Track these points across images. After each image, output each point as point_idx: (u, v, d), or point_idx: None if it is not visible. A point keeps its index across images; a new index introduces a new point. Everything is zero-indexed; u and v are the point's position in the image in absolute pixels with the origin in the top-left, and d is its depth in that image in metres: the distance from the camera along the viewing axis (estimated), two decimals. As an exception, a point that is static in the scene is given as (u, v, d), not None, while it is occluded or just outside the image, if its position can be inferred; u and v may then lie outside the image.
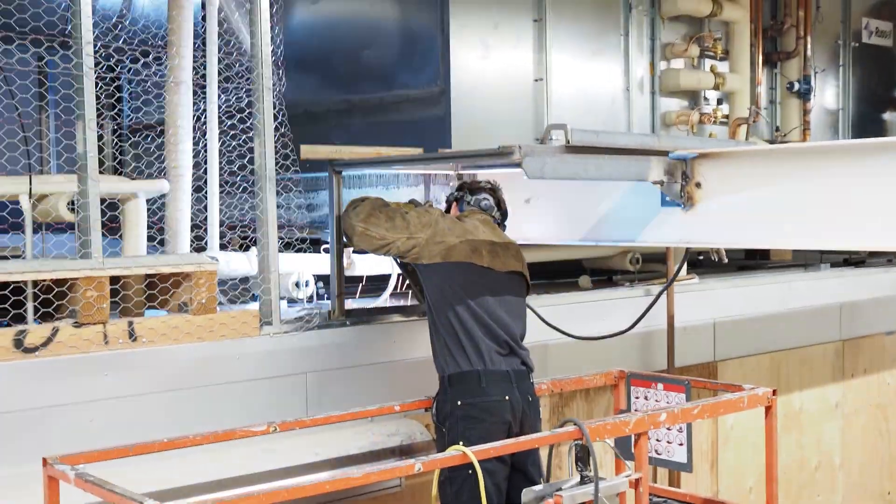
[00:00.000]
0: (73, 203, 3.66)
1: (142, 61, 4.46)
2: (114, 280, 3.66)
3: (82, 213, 3.55)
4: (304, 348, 4.13)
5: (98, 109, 4.52)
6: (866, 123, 8.06)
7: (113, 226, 3.86)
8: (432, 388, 4.05)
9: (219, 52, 4.59)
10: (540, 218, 4.65)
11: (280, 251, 4.12)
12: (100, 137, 5.14)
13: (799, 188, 3.77)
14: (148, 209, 4.10)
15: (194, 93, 4.45)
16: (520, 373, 3.92)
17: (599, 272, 6.21)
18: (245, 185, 4.34)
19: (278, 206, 4.12)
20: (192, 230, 4.45)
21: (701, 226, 3.97)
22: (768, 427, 4.00)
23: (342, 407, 3.93)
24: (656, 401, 4.40)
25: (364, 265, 4.84)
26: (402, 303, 4.78)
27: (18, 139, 3.63)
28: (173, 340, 3.75)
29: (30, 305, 3.50)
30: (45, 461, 3.01)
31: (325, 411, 3.86)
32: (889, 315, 7.33)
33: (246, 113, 4.41)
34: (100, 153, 4.88)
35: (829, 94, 7.69)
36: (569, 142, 3.57)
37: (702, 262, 6.88)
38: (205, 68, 4.56)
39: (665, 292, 5.31)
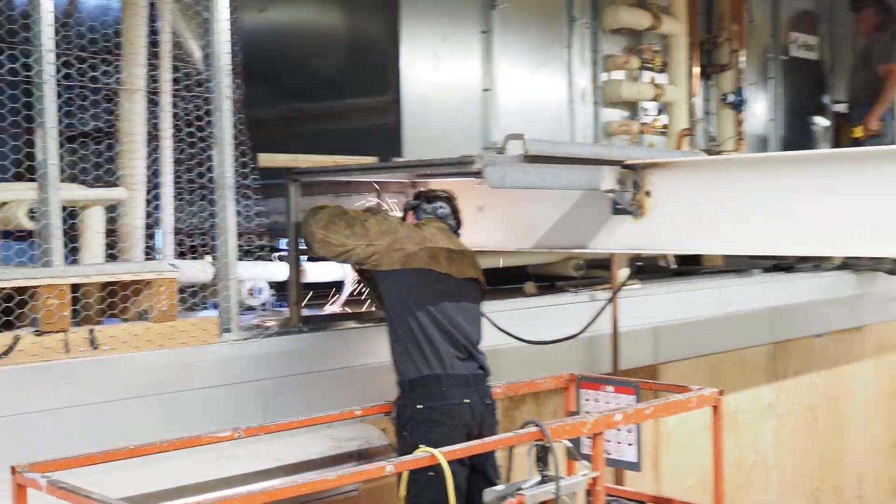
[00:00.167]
0: (32, 211, 3.64)
1: (76, 67, 4.42)
2: (73, 288, 3.65)
3: (43, 221, 3.54)
4: (262, 355, 4.16)
5: (33, 115, 4.50)
6: (796, 133, 8.36)
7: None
8: (389, 392, 4.13)
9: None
10: (492, 226, 4.75)
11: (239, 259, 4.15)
12: (31, 144, 5.12)
13: (742, 196, 3.93)
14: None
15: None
16: (478, 376, 4.02)
17: (543, 278, 6.34)
18: (203, 192, 4.35)
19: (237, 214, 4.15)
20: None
21: (650, 233, 4.11)
22: (715, 426, 4.16)
23: (300, 412, 3.97)
24: (606, 402, 4.53)
25: (316, 273, 4.89)
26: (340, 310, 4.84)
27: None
28: (134, 348, 3.75)
29: (-10, 314, 3.48)
30: (13, 469, 3.00)
31: (284, 417, 3.91)
32: (817, 319, 7.60)
33: (198, 119, 4.43)
34: (31, 160, 4.86)
35: (760, 105, 7.96)
36: (527, 152, 3.68)
37: (642, 269, 7.06)
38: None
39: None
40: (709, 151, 7.02)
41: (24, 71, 3.63)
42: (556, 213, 4.47)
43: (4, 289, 3.46)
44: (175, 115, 4.43)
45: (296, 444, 4.10)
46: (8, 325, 3.52)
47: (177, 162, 4.34)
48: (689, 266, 7.74)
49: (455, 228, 4.33)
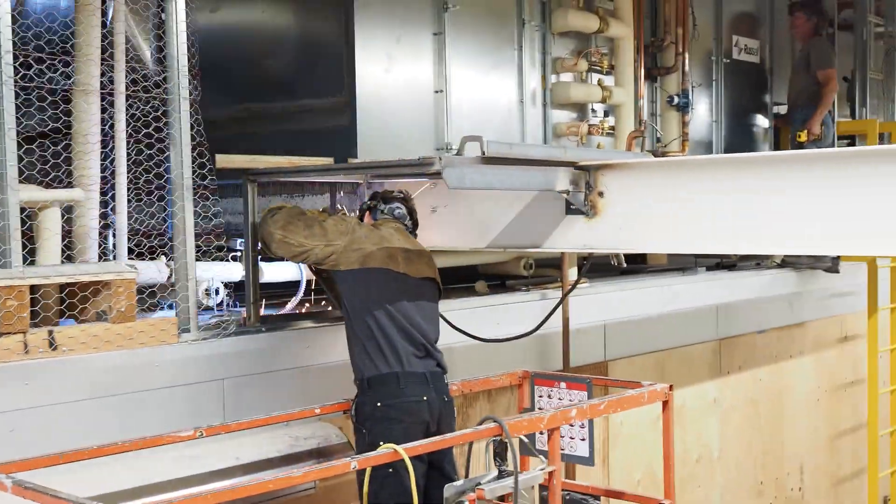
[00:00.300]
0: (-10, 212, 3.63)
1: (34, 67, 4.39)
2: (32, 289, 3.64)
3: (1, 223, 3.53)
4: (221, 355, 4.18)
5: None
6: (737, 134, 8.56)
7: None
8: (346, 391, 4.18)
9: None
10: (446, 226, 4.82)
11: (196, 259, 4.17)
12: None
13: (693, 197, 4.05)
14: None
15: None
16: (435, 374, 4.08)
17: (493, 277, 6.42)
18: (158, 192, 4.36)
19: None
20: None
21: (603, 233, 4.22)
22: (665, 421, 4.27)
23: (259, 412, 4.00)
24: (559, 399, 4.62)
25: (271, 273, 4.91)
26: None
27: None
28: (93, 349, 3.76)
29: (-53, 315, 3.46)
30: (-25, 471, 3.00)
31: (243, 416, 3.94)
32: (760, 315, 7.81)
33: (152, 120, 4.43)
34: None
35: (704, 107, 8.14)
36: (484, 153, 3.75)
37: (588, 268, 7.17)
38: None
39: (561, 296, 5.56)
40: (654, 153, 7.16)
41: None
42: (511, 213, 4.56)
43: (-38, 290, 3.44)
44: (130, 116, 4.42)
45: (254, 443, 4.12)
46: (-33, 327, 3.50)
47: (133, 163, 4.33)
48: (635, 265, 7.89)
49: (411, 229, 4.39)
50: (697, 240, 4.07)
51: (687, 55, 7.56)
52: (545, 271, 6.43)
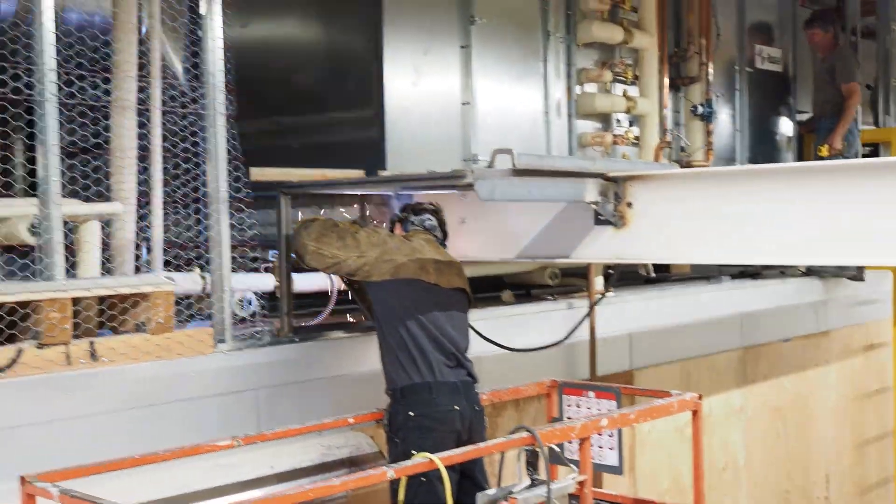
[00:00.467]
0: (34, 226, 3.72)
1: (77, 85, 4.49)
2: (73, 301, 3.72)
3: (45, 236, 3.62)
4: (255, 365, 4.25)
5: (7, 132, 4.55)
6: (761, 143, 8.58)
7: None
8: (377, 400, 4.24)
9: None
10: (475, 237, 4.88)
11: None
12: (6, 160, 5.15)
13: (720, 207, 4.10)
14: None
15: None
16: (467, 384, 4.14)
17: (519, 287, 6.47)
18: (195, 205, 4.44)
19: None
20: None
21: (632, 243, 4.26)
22: (695, 429, 4.31)
23: (292, 421, 4.06)
24: (588, 408, 4.66)
25: (301, 283, 4.98)
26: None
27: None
28: (132, 359, 3.83)
29: (-8, 327, 3.55)
30: (23, 479, 3.08)
31: (277, 425, 4.00)
32: (785, 324, 7.82)
33: (189, 135, 4.52)
34: (7, 176, 4.90)
35: (728, 116, 8.18)
36: (515, 166, 3.81)
37: (611, 277, 7.21)
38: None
39: (588, 305, 5.61)
40: (680, 162, 7.20)
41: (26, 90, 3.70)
42: (539, 224, 4.61)
43: (7, 303, 3.53)
44: (166, 131, 4.50)
45: (288, 452, 4.19)
46: (11, 339, 3.58)
47: (172, 177, 4.41)
48: (659, 274, 7.92)
49: (442, 240, 4.45)
50: (725, 250, 4.11)
51: (710, 65, 7.60)
52: (571, 281, 6.47)
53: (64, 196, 3.83)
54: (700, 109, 7.54)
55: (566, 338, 5.23)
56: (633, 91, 7.03)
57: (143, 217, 4.47)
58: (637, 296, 6.59)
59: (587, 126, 6.78)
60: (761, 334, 7.53)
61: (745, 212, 4.01)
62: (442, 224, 4.48)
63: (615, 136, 6.78)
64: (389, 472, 3.16)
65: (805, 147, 9.11)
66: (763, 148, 8.63)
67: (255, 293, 4.78)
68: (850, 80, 8.28)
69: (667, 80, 7.30)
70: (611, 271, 7.11)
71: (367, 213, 5.13)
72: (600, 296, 5.52)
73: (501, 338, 5.15)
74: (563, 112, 6.55)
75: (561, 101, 6.54)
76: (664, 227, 4.20)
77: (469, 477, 4.10)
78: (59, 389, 3.63)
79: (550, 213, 4.53)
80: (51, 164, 3.61)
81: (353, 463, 4.31)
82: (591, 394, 4.68)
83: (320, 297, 5.00)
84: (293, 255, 4.35)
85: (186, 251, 4.47)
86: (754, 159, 8.34)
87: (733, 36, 8.27)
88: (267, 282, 4.77)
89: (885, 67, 10.17)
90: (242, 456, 4.00)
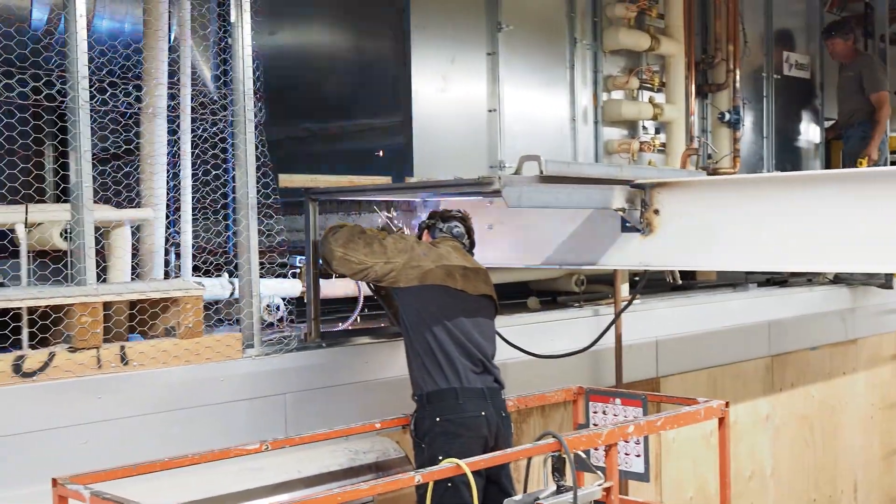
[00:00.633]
0: (66, 231, 3.77)
1: (109, 92, 4.55)
2: (104, 306, 3.77)
3: (77, 242, 3.66)
4: (283, 370, 4.28)
5: (40, 138, 4.62)
6: (788, 150, 8.55)
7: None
8: (404, 406, 4.25)
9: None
10: (502, 243, 4.88)
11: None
12: (40, 166, 5.22)
13: (747, 214, 4.08)
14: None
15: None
16: (493, 390, 4.15)
17: (545, 293, 6.48)
18: (224, 211, 4.48)
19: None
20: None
21: (659, 250, 4.25)
22: (722, 437, 4.30)
23: (319, 426, 4.09)
24: (614, 415, 4.66)
25: (327, 289, 5.01)
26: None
27: (19, 169, 3.74)
28: (162, 364, 3.87)
29: (25, 331, 3.59)
30: (55, 481, 3.12)
31: (304, 430, 4.03)
32: (812, 332, 7.77)
33: (218, 141, 4.57)
34: (40, 182, 4.96)
35: (755, 123, 8.15)
36: (542, 172, 3.82)
37: (636, 284, 7.20)
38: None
39: (614, 312, 5.61)
40: (706, 169, 7.19)
41: (59, 96, 3.75)
42: (566, 230, 4.61)
43: (40, 307, 3.57)
44: (195, 137, 4.55)
45: (315, 457, 4.22)
46: (43, 343, 3.63)
47: (202, 183, 4.46)
48: (685, 281, 7.89)
49: (469, 248, 4.46)
50: (752, 257, 4.09)
51: (738, 72, 7.58)
52: (597, 287, 6.48)
53: (95, 202, 3.88)
54: (727, 116, 7.52)
55: (592, 344, 5.22)
56: (659, 98, 7.04)
57: (172, 223, 4.52)
58: (663, 303, 6.57)
59: (613, 133, 6.79)
60: (788, 342, 7.49)
61: (772, 219, 3.99)
62: (470, 232, 4.50)
63: (641, 143, 6.78)
64: (417, 476, 3.17)
65: (832, 154, 9.07)
66: (790, 155, 8.59)
67: (283, 298, 4.82)
68: (879, 88, 8.24)
69: (693, 87, 7.30)
70: (637, 278, 7.12)
71: (395, 219, 5.15)
72: (626, 303, 5.51)
73: (527, 344, 5.16)
74: (589, 119, 6.57)
75: (587, 107, 6.55)
76: (691, 234, 4.19)
77: (495, 482, 4.11)
78: (90, 393, 3.67)
79: (577, 219, 4.53)
80: (83, 170, 3.65)
81: (379, 468, 4.33)
82: (618, 400, 4.69)
83: (348, 303, 5.04)
84: (321, 261, 4.38)
85: (215, 257, 4.51)
86: (781, 166, 8.31)
87: (760, 42, 8.24)
88: (295, 287, 4.81)
89: (913, 74, 10.11)
90: (270, 460, 4.03)
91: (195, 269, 4.49)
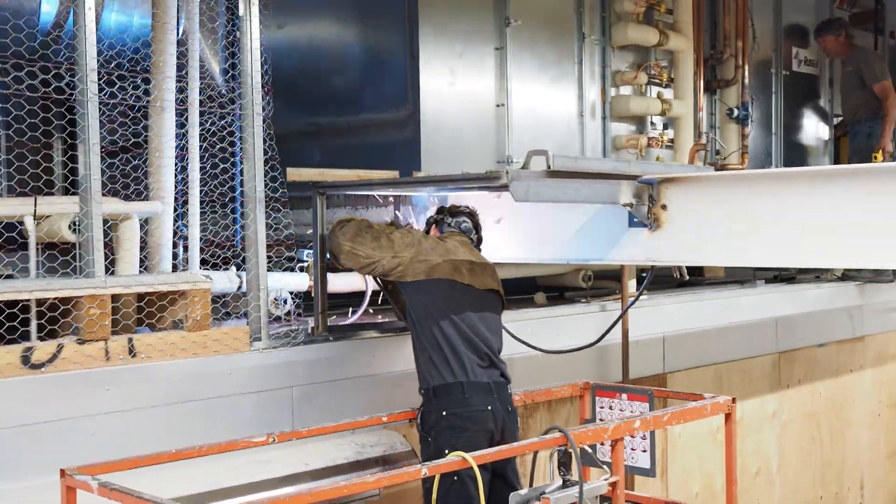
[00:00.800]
0: (74, 224, 3.78)
1: (118, 85, 4.56)
2: (112, 298, 3.78)
3: (85, 234, 3.68)
4: (290, 363, 4.29)
5: (49, 131, 4.62)
6: (797, 146, 8.53)
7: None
8: (410, 399, 4.26)
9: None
10: (510, 238, 4.89)
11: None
12: (49, 158, 5.23)
13: (754, 210, 4.08)
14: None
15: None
16: (499, 384, 4.15)
17: (552, 289, 6.48)
18: (232, 204, 4.49)
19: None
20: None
21: (666, 245, 4.25)
22: (728, 433, 4.29)
23: (326, 419, 4.10)
24: (620, 410, 4.66)
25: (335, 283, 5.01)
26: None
27: (28, 162, 3.75)
28: (170, 356, 3.88)
29: (33, 323, 3.61)
30: (63, 472, 3.13)
31: (311, 423, 4.03)
32: (820, 329, 7.76)
33: (226, 135, 4.57)
34: (49, 174, 4.97)
35: (763, 119, 8.13)
36: (550, 167, 3.82)
37: (644, 280, 7.18)
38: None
39: (621, 308, 5.60)
40: (714, 165, 7.17)
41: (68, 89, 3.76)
42: (573, 226, 4.61)
43: (49, 299, 3.59)
44: (203, 131, 4.55)
45: (322, 450, 4.23)
46: (52, 334, 3.65)
47: (210, 176, 4.47)
48: (693, 277, 7.89)
49: (476, 243, 4.47)
50: (759, 253, 4.09)
51: (746, 67, 7.57)
52: (604, 283, 6.47)
53: (104, 194, 3.89)
54: (735, 112, 7.51)
55: (599, 340, 5.22)
56: (667, 93, 7.02)
57: (180, 216, 4.53)
58: (671, 299, 6.57)
59: (621, 128, 6.78)
60: (796, 339, 7.47)
61: (779, 215, 3.99)
62: (477, 227, 4.50)
63: (650, 138, 6.78)
64: (423, 469, 3.18)
65: (841, 151, 9.05)
66: (799, 152, 8.58)
67: (291, 292, 4.83)
68: (879, 79, 8.21)
69: (702, 83, 7.28)
70: (644, 274, 7.11)
71: (401, 213, 5.16)
72: (633, 298, 5.51)
73: (534, 339, 5.16)
74: (597, 114, 6.56)
75: (595, 103, 6.54)
76: (698, 229, 4.18)
77: (501, 476, 4.12)
78: (98, 385, 3.68)
79: (584, 215, 4.53)
80: (92, 162, 3.67)
81: (386, 461, 4.34)
82: (624, 396, 4.68)
83: (355, 297, 5.04)
84: (328, 255, 4.39)
85: (223, 250, 4.52)
86: (790, 163, 8.29)
87: (769, 38, 8.22)
88: (302, 281, 4.81)
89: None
90: (277, 453, 4.05)
91: (203, 262, 4.51)
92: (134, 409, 3.78)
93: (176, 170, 4.52)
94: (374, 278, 4.58)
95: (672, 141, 7.03)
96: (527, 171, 3.83)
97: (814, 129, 8.87)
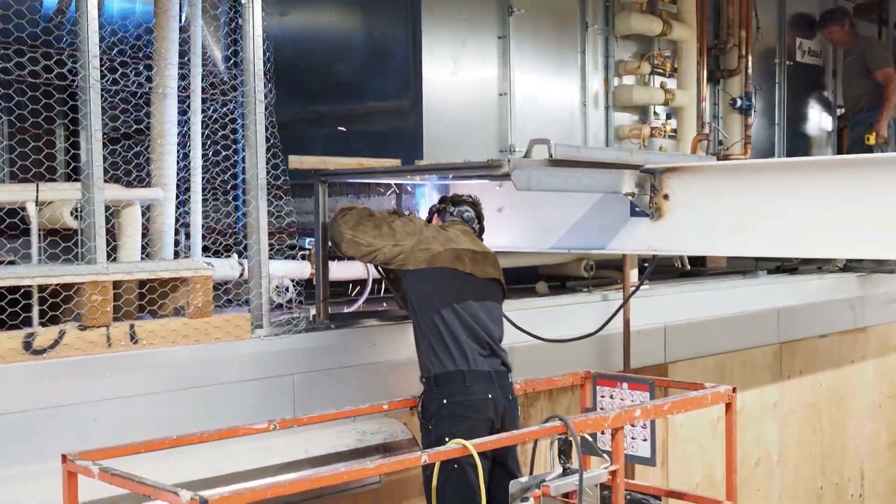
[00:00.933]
0: (76, 210, 3.78)
1: (120, 72, 4.56)
2: (114, 285, 3.79)
3: (87, 220, 3.68)
4: (291, 350, 4.30)
5: (51, 117, 4.62)
6: (800, 137, 8.52)
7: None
8: (411, 388, 4.27)
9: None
10: (512, 227, 4.89)
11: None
12: (51, 145, 5.23)
13: (756, 200, 4.08)
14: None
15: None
16: (500, 373, 4.16)
17: (554, 278, 6.48)
18: (234, 192, 4.49)
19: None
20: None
21: (668, 235, 4.26)
22: (728, 422, 4.30)
23: (327, 406, 4.11)
24: (621, 399, 4.67)
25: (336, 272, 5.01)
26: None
27: (30, 148, 3.76)
28: (171, 343, 3.89)
29: (35, 309, 3.62)
30: (64, 457, 3.14)
31: (312, 411, 4.05)
32: (821, 319, 7.76)
33: (228, 122, 4.57)
34: (52, 161, 4.97)
35: (767, 110, 8.12)
36: (552, 156, 3.82)
37: (646, 269, 7.18)
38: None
39: (623, 297, 5.60)
40: (717, 155, 7.17)
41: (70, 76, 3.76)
42: (575, 215, 4.62)
43: (51, 285, 3.59)
44: (206, 118, 4.55)
45: (323, 437, 4.24)
46: (54, 320, 3.65)
47: (212, 163, 4.47)
48: (695, 268, 7.89)
49: (479, 233, 4.47)
50: (762, 242, 4.10)
51: (750, 58, 7.55)
52: (606, 273, 6.47)
53: (106, 181, 3.89)
54: (739, 102, 7.50)
55: (600, 329, 5.23)
56: (671, 83, 7.01)
57: (182, 203, 4.53)
58: (672, 289, 6.57)
59: (624, 118, 6.77)
60: (797, 330, 7.47)
61: (781, 205, 3.99)
62: (480, 217, 4.50)
63: (652, 128, 6.77)
64: (424, 456, 3.19)
65: (844, 142, 9.03)
66: (802, 142, 8.57)
67: (292, 280, 4.83)
68: (883, 66, 8.20)
69: (705, 73, 7.27)
70: (646, 264, 7.11)
71: (403, 202, 5.16)
72: (635, 288, 5.51)
73: (536, 329, 5.16)
74: (600, 104, 6.55)
75: (598, 92, 6.53)
76: (700, 219, 4.19)
77: (501, 464, 4.13)
78: (99, 371, 3.69)
79: (586, 204, 4.53)
80: (94, 149, 3.67)
81: (386, 449, 4.35)
82: (625, 385, 4.69)
83: (356, 285, 5.05)
84: (330, 243, 4.39)
85: (225, 237, 4.52)
86: (793, 153, 8.28)
87: (773, 29, 8.20)
88: (304, 269, 4.82)
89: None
90: (278, 440, 4.06)
91: (205, 249, 4.51)
92: (135, 395, 3.79)
93: (178, 157, 4.52)
94: (376, 267, 4.58)
95: (675, 131, 7.02)
96: (529, 159, 3.83)
97: (817, 120, 8.85)
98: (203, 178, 4.54)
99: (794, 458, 7.47)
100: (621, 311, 5.69)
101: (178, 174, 4.48)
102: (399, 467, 3.17)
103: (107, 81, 4.14)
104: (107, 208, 3.87)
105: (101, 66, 3.88)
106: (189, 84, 4.54)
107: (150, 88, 4.45)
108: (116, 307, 3.81)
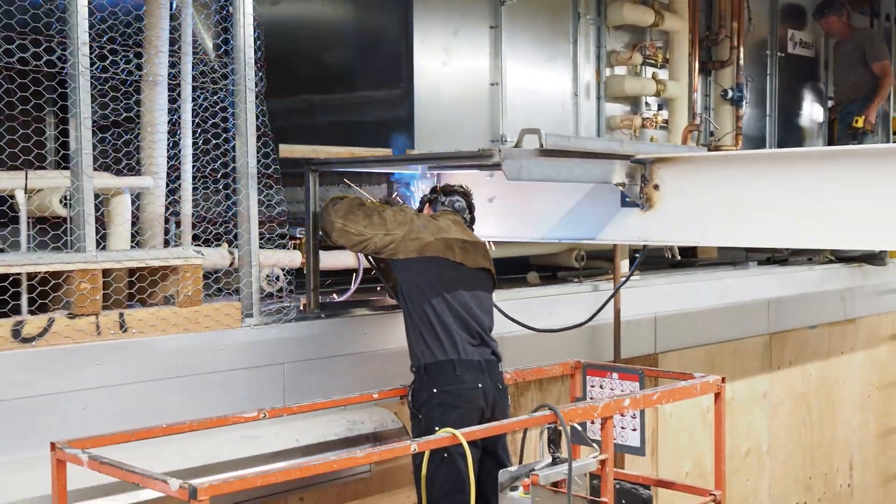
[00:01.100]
0: (66, 198, 3.77)
1: (110, 59, 4.53)
2: (103, 273, 3.78)
3: (76, 208, 3.67)
4: (281, 339, 4.30)
5: (41, 105, 4.59)
6: (792, 128, 8.53)
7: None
8: (401, 377, 4.27)
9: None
10: (502, 216, 4.89)
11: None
12: (40, 132, 5.20)
13: (747, 190, 4.09)
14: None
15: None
16: (490, 362, 4.16)
17: (545, 268, 6.49)
18: (224, 180, 4.48)
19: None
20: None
21: (658, 225, 4.26)
22: (717, 412, 4.32)
23: (317, 396, 4.12)
24: (611, 389, 4.68)
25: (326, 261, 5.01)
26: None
27: (19, 135, 3.74)
28: (161, 331, 3.88)
29: (24, 297, 3.60)
30: (53, 445, 3.14)
31: (302, 400, 4.05)
32: (811, 310, 7.79)
33: (219, 110, 4.56)
34: (41, 148, 4.94)
35: (758, 101, 8.13)
36: (542, 146, 3.82)
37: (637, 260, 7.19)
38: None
39: (613, 287, 5.62)
40: (708, 146, 7.18)
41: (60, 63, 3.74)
42: (566, 205, 4.62)
43: (40, 273, 3.58)
44: (196, 106, 4.54)
45: (313, 426, 4.24)
46: (43, 308, 3.64)
47: (202, 152, 4.45)
48: (686, 258, 7.90)
49: (469, 223, 4.47)
50: (752, 233, 4.10)
51: (741, 49, 7.56)
52: (597, 263, 6.48)
53: (95, 169, 3.88)
54: (730, 94, 7.51)
55: (590, 319, 5.24)
56: (662, 74, 7.02)
57: (172, 191, 4.52)
58: (663, 279, 6.58)
59: (616, 109, 6.78)
60: (787, 320, 7.50)
61: (772, 195, 4.00)
62: (471, 207, 4.50)
63: (644, 119, 6.77)
64: (413, 445, 3.19)
65: (836, 133, 9.05)
66: (793, 133, 8.58)
67: (283, 269, 4.82)
68: (881, 58, 8.21)
69: (697, 64, 7.27)
70: (636, 254, 7.12)
71: (394, 191, 5.15)
72: (625, 278, 5.52)
73: (526, 318, 5.17)
74: (592, 94, 6.56)
75: (590, 83, 6.54)
76: (691, 209, 4.20)
77: (491, 454, 4.13)
78: (88, 359, 3.68)
79: (577, 194, 4.53)
80: (83, 137, 3.65)
81: (376, 438, 4.36)
82: (615, 375, 4.70)
83: (347, 275, 5.05)
84: (320, 233, 4.38)
85: (215, 226, 4.51)
86: (784, 144, 8.30)
87: (765, 20, 8.21)
88: (294, 258, 4.81)
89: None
90: (268, 429, 4.06)
91: (195, 238, 4.50)
92: (124, 383, 3.78)
93: (168, 145, 4.50)
94: (366, 256, 4.58)
95: (666, 122, 7.03)
96: (519, 149, 3.83)
97: (808, 111, 8.87)
98: (193, 167, 4.53)
99: (784, 448, 7.50)
100: (612, 301, 5.70)
101: (168, 162, 4.46)
102: (389, 456, 3.17)
103: (97, 69, 4.12)
104: (96, 196, 3.85)
105: (91, 53, 3.86)
106: (179, 72, 4.53)
107: (140, 76, 4.42)
108: (106, 295, 3.80)
